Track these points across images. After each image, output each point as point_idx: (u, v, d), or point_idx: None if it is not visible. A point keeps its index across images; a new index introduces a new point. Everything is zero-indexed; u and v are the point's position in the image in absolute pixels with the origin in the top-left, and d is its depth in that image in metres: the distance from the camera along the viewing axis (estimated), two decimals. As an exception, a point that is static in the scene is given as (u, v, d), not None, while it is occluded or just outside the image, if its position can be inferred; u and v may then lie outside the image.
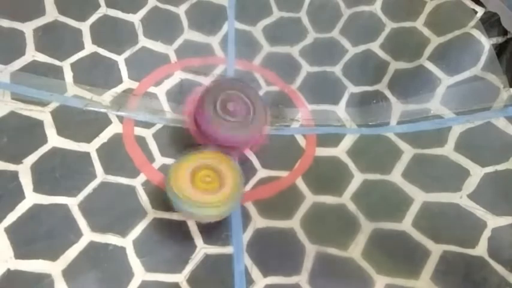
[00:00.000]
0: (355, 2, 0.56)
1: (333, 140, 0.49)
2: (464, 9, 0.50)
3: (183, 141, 0.47)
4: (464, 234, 0.40)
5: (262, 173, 0.46)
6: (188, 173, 0.39)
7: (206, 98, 0.42)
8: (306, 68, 0.54)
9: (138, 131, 0.46)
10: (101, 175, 0.42)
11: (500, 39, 0.48)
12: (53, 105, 0.45)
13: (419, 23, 0.52)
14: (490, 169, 0.42)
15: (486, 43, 0.48)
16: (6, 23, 0.47)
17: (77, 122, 0.45)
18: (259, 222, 0.42)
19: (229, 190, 0.38)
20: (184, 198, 0.37)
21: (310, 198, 0.44)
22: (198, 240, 0.40)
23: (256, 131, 0.43)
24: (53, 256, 0.37)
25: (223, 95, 0.42)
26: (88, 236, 0.38)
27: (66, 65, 0.47)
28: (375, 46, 0.54)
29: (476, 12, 0.49)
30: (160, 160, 0.45)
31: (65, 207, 0.39)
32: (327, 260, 0.40)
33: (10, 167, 0.40)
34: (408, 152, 0.46)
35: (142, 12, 0.53)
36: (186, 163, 0.39)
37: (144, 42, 0.52)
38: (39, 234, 0.37)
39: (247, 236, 0.41)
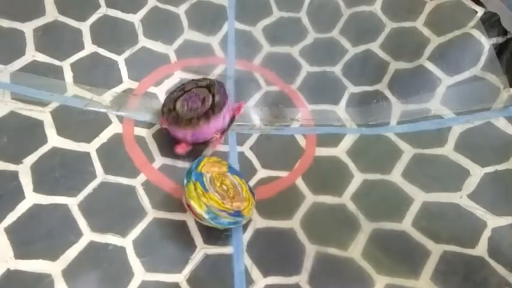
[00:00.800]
0: (355, 2, 0.56)
1: (333, 140, 0.49)
2: (464, 9, 0.50)
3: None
4: (464, 234, 0.40)
5: (262, 173, 0.46)
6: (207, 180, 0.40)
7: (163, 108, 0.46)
8: (306, 68, 0.54)
9: (138, 131, 0.46)
10: (100, 175, 0.42)
11: (500, 39, 0.48)
12: (53, 105, 0.45)
13: (419, 23, 0.52)
14: (490, 169, 0.42)
15: (486, 43, 0.48)
16: (6, 23, 0.47)
17: (77, 122, 0.45)
18: (259, 222, 0.42)
19: (245, 200, 0.40)
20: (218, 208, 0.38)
21: (310, 198, 0.44)
22: (198, 240, 0.40)
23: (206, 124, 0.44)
24: (53, 256, 0.37)
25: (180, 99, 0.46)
26: (88, 236, 0.38)
27: (66, 65, 0.47)
28: (375, 46, 0.54)
29: (476, 12, 0.49)
30: (160, 160, 0.45)
31: (65, 207, 0.39)
32: (327, 260, 0.40)
33: (10, 167, 0.40)
34: (408, 152, 0.46)
35: (142, 12, 0.53)
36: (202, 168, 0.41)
37: (144, 42, 0.52)
38: (39, 234, 0.37)
39: (247, 236, 0.41)
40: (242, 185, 0.42)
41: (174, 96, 0.46)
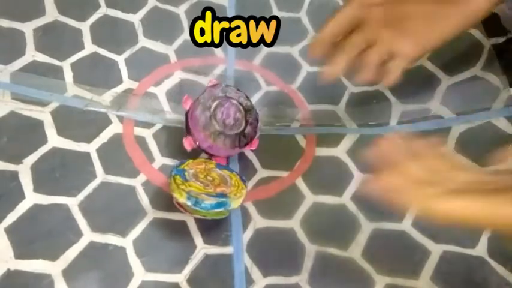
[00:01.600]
0: (355, 2, 0.56)
1: (333, 140, 0.49)
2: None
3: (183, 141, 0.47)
4: (464, 234, 0.40)
5: (262, 173, 0.46)
6: (191, 174, 0.39)
7: (197, 104, 0.42)
8: (306, 68, 0.54)
9: (138, 131, 0.46)
10: (100, 175, 0.42)
11: (500, 39, 0.48)
12: (53, 105, 0.45)
13: (419, 23, 0.52)
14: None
15: (486, 43, 0.48)
16: (6, 23, 0.47)
17: (77, 122, 0.45)
18: (259, 222, 0.43)
19: (233, 186, 0.39)
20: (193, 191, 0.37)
21: (310, 198, 0.45)
22: (198, 240, 0.40)
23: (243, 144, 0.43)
24: (53, 256, 0.37)
25: (217, 103, 0.43)
26: (88, 236, 0.38)
27: (66, 65, 0.47)
28: (375, 46, 0.54)
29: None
30: (160, 160, 0.45)
31: (65, 207, 0.39)
32: (327, 259, 0.40)
33: (10, 167, 0.40)
34: (408, 152, 0.46)
35: (142, 12, 0.53)
36: (185, 167, 0.40)
37: (144, 42, 0.52)
38: (39, 234, 0.37)
39: (247, 236, 0.41)
40: (232, 176, 0.41)
41: (215, 94, 0.43)
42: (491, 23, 0.48)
